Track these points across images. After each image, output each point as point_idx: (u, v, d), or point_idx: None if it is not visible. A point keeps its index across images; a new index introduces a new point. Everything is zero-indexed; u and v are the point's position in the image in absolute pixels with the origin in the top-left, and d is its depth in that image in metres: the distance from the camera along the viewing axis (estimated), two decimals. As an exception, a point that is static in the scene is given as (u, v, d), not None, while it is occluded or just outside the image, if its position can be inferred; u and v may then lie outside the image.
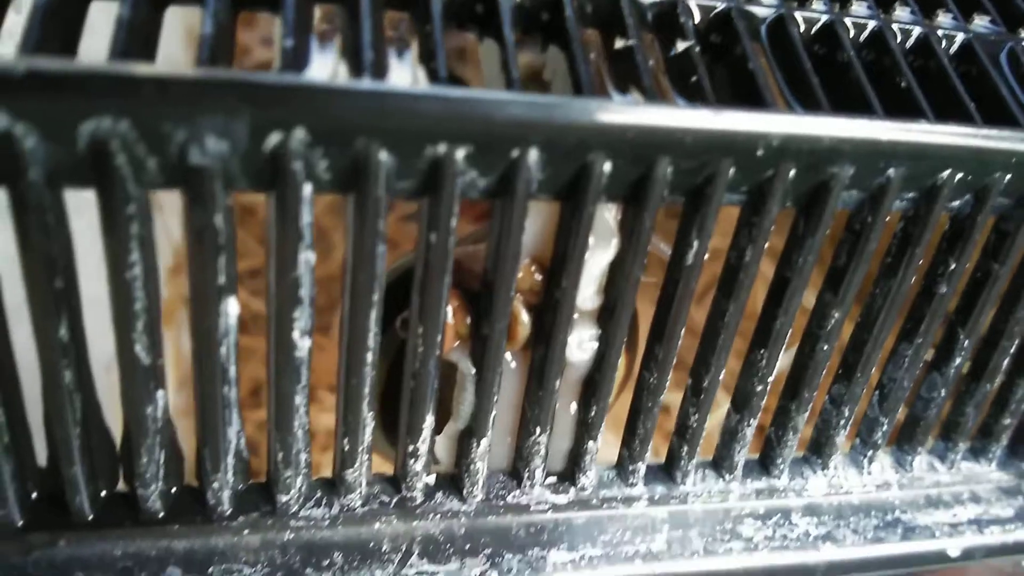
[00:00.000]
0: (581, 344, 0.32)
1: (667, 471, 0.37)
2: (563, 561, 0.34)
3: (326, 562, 0.32)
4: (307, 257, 0.27)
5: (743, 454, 0.37)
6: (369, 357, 0.30)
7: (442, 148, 0.26)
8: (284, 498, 0.32)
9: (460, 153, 0.26)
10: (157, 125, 0.23)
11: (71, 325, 0.26)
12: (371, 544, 0.33)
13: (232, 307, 0.27)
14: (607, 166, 0.27)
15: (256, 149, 0.25)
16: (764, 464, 0.38)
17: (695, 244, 0.30)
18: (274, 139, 0.24)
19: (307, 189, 0.26)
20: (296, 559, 0.32)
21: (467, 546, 0.34)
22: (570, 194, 0.28)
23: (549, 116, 0.26)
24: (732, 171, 0.29)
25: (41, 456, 0.31)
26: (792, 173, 0.29)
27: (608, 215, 0.30)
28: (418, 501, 0.34)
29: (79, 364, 0.27)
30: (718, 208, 0.29)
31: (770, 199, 0.30)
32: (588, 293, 0.31)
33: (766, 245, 0.31)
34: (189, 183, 0.25)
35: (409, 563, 0.33)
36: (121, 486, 0.31)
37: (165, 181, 0.25)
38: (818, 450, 0.39)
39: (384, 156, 0.26)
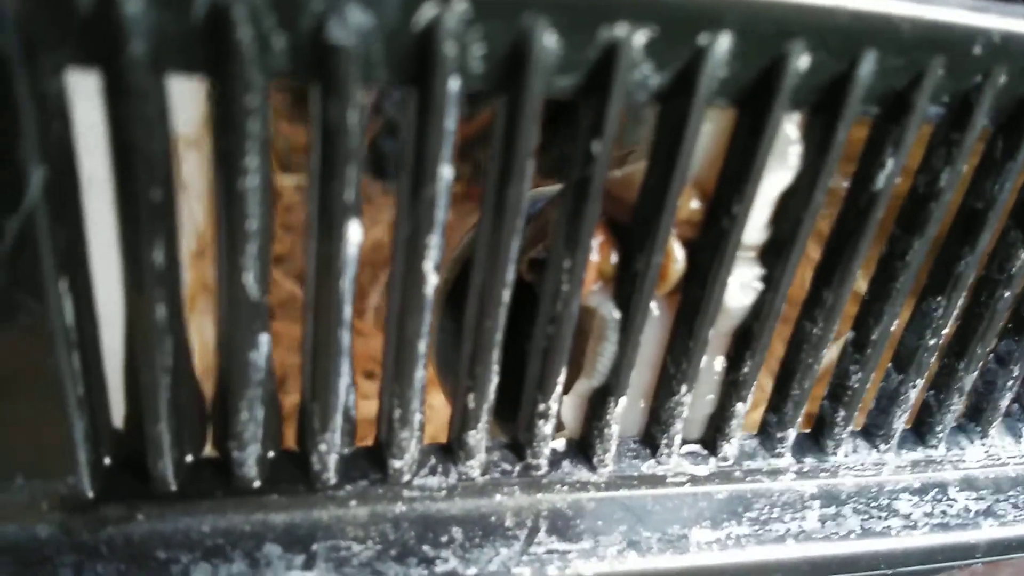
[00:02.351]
0: (743, 286, 0.27)
1: (815, 440, 0.33)
2: (707, 540, 0.30)
3: (444, 538, 0.27)
4: (447, 171, 0.23)
5: (902, 420, 0.32)
6: (506, 294, 0.25)
7: (620, 30, 0.21)
8: (397, 464, 0.27)
9: (639, 38, 0.22)
10: (292, -13, 0.19)
11: (168, 249, 0.22)
12: (492, 518, 0.28)
13: (355, 233, 0.23)
14: (804, 60, 0.23)
15: (404, 26, 0.20)
16: (920, 432, 0.34)
17: (888, 164, 0.25)
18: (429, 12, 0.20)
19: (455, 84, 0.21)
20: (411, 535, 0.27)
21: (599, 522, 0.29)
22: (754, 98, 0.24)
23: (751, -8, 0.22)
24: (939, 75, 0.24)
25: (116, 418, 0.26)
26: (1001, 80, 0.25)
27: (789, 128, 0.25)
28: (543, 470, 0.29)
29: (173, 299, 0.23)
30: (920, 119, 0.25)
31: (977, 110, 0.25)
32: (756, 224, 0.26)
33: (964, 169, 0.27)
34: (323, 68, 0.20)
35: (537, 540, 0.28)
36: (208, 451, 0.27)
37: (293, 68, 0.20)
38: (978, 416, 0.34)
39: (550, 40, 0.21)
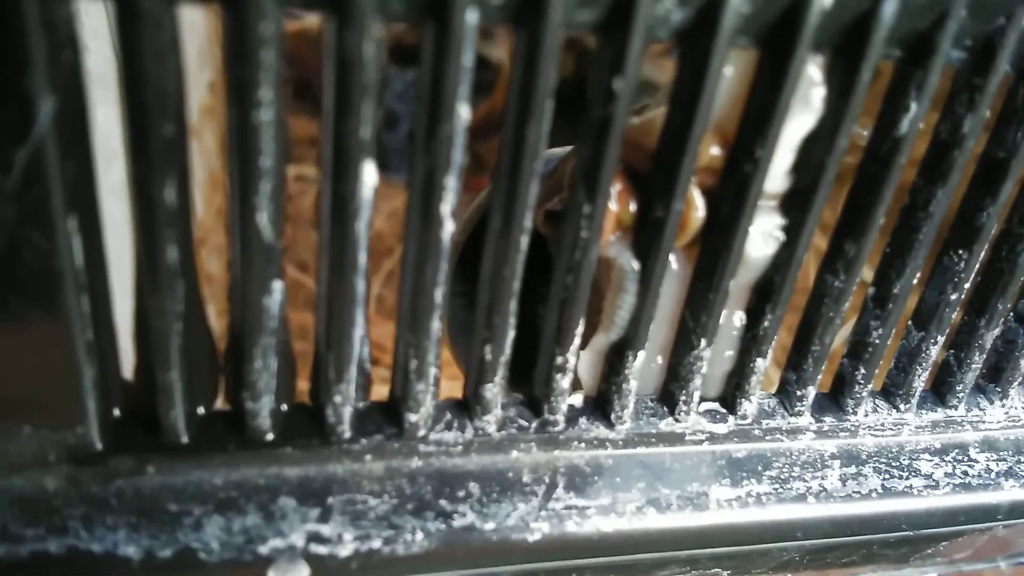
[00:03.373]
0: (765, 235, 0.27)
1: (834, 399, 0.32)
2: (727, 498, 0.29)
3: (461, 493, 0.27)
4: (464, 110, 0.22)
5: (923, 379, 0.32)
6: (524, 241, 0.25)
7: (643, -38, 0.21)
8: (413, 418, 0.27)
9: (663, -30, 0.21)
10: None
11: (180, 187, 0.21)
12: (510, 474, 0.28)
13: (370, 175, 0.22)
14: (828, -2, 0.22)
15: (422, -47, 0.20)
16: (939, 392, 0.33)
17: (912, 108, 0.25)
18: (448, -63, 0.20)
19: (473, 17, 0.21)
20: (427, 489, 0.27)
21: (617, 479, 0.29)
22: (776, 37, 0.23)
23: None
24: (962, 15, 0.24)
25: (126, 367, 0.26)
26: (1025, 23, 0.25)
27: (812, 69, 0.25)
28: (560, 426, 0.29)
29: (185, 240, 0.22)
30: (944, 62, 0.24)
31: (1000, 53, 0.25)
32: (778, 171, 0.26)
33: (987, 116, 0.26)
34: (338, -3, 0.20)
35: (555, 496, 0.28)
36: (220, 404, 0.26)
37: (306, -4, 0.20)
38: (997, 377, 0.34)
39: (570, -29, 0.21)
